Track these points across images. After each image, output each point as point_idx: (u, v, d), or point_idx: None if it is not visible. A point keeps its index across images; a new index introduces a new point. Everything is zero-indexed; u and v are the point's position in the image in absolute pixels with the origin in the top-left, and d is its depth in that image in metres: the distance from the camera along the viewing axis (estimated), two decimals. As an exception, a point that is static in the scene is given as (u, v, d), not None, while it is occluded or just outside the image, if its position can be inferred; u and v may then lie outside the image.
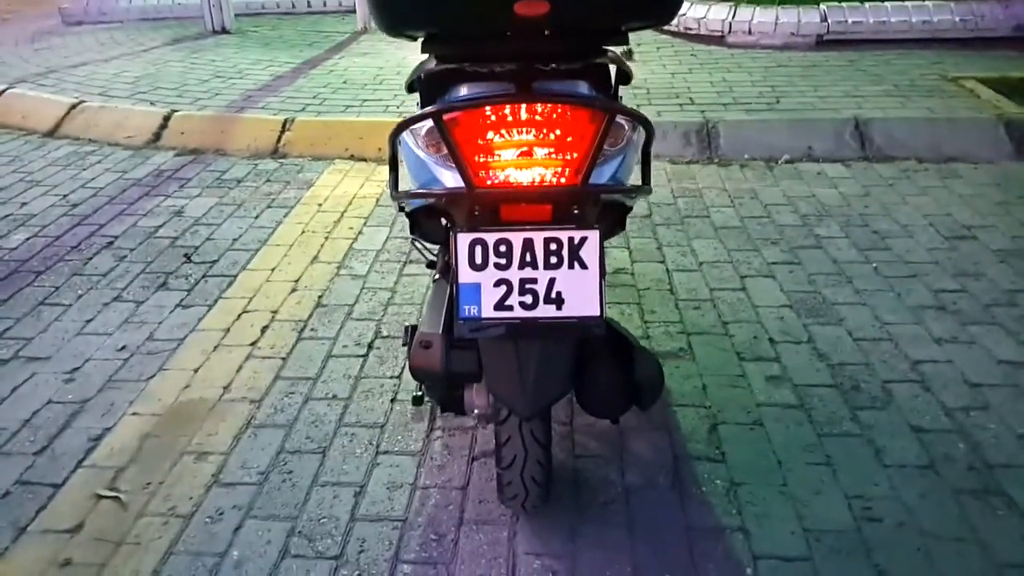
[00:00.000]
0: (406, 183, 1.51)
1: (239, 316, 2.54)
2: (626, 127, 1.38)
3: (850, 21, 5.26)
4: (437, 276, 1.71)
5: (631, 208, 1.70)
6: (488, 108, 1.30)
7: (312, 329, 2.46)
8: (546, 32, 1.23)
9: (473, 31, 1.27)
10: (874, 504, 1.73)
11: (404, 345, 1.83)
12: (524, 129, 1.31)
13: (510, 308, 1.38)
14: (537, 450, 1.48)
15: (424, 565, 1.59)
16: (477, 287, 1.38)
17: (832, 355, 2.25)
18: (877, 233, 2.98)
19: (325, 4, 6.94)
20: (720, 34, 5.43)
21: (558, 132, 1.32)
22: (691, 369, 2.19)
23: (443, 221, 1.72)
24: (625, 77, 1.51)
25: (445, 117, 1.27)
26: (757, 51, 5.27)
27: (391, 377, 2.20)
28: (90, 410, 2.10)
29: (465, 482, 1.80)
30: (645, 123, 1.35)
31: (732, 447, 1.90)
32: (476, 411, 1.64)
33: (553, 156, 1.32)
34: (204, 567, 1.60)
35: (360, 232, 3.11)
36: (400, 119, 1.37)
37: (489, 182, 1.33)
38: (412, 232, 1.84)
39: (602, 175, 1.37)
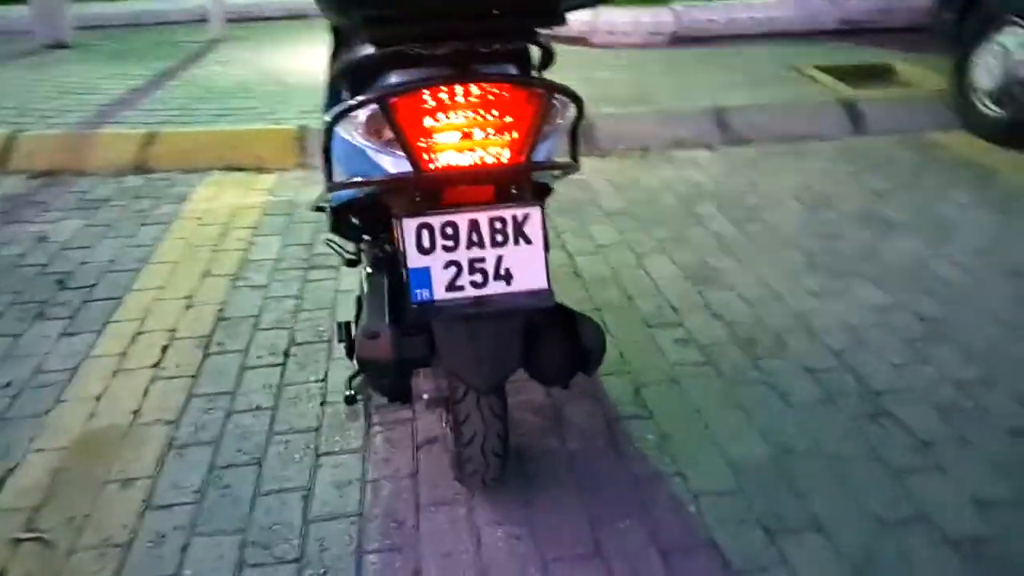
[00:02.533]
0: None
1: (134, 338, 2.40)
2: (558, 106, 1.45)
3: (703, 19, 5.77)
4: (370, 270, 1.71)
5: (552, 189, 1.78)
6: (428, 92, 1.33)
7: (219, 343, 2.37)
8: (494, 12, 1.28)
9: (424, 9, 1.29)
10: (786, 438, 1.90)
11: (340, 342, 1.82)
12: (465, 111, 1.35)
13: (461, 288, 1.42)
14: (496, 423, 1.53)
15: (389, 552, 1.59)
16: (426, 271, 1.41)
17: (727, 315, 2.44)
18: (748, 208, 3.24)
19: (171, 15, 6.59)
20: (585, 35, 5.68)
21: (496, 112, 1.37)
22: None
23: (361, 217, 1.74)
24: (550, 58, 1.58)
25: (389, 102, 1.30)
26: (620, 50, 5.58)
27: (316, 381, 2.17)
28: (-15, 453, 1.93)
29: (414, 470, 1.82)
30: (578, 101, 1.42)
31: (656, 405, 2.03)
32: (425, 396, 1.66)
33: (495, 136, 1.37)
34: (156, 591, 1.53)
35: (251, 243, 3.02)
36: (335, 110, 1.38)
37: (434, 165, 1.36)
38: (333, 231, 1.84)
39: (538, 154, 1.44)
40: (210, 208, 3.34)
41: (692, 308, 2.49)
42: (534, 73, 1.57)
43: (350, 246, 2.07)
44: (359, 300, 1.93)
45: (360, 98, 1.33)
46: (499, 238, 1.43)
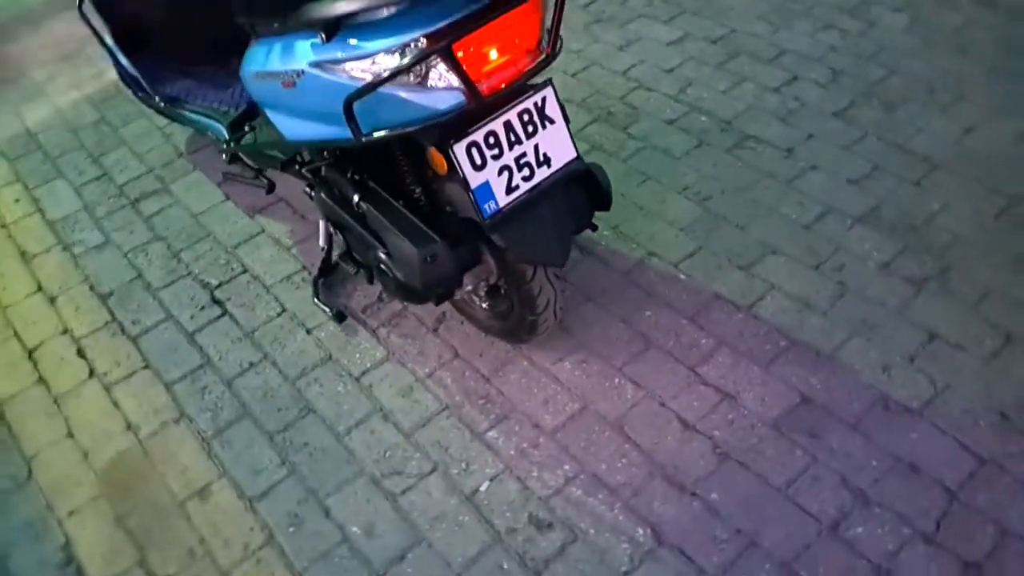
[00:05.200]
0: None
1: (34, 359, 2.10)
2: None
3: None
4: (360, 202, 1.68)
5: None
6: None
7: (133, 323, 2.15)
8: None
9: None
10: (696, 188, 2.31)
11: (358, 272, 1.85)
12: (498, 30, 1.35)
13: (517, 188, 1.52)
14: (559, 284, 1.73)
15: (503, 422, 1.80)
16: (486, 184, 1.48)
17: (571, 96, 2.69)
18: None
19: None
20: None
21: (518, 18, 1.38)
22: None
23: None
24: None
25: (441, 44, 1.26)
26: None
27: (278, 315, 2.11)
28: None
29: (452, 351, 1.96)
30: None
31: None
32: (469, 287, 1.79)
33: (525, 40, 1.39)
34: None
35: (34, 199, 2.56)
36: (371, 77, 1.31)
37: (485, 85, 1.37)
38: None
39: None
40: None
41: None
42: None
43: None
44: (335, 228, 1.90)
45: (417, 53, 1.27)
46: (530, 128, 1.51)
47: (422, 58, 1.27)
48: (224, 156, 2.19)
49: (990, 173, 2.22)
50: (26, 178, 2.67)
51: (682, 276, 2.07)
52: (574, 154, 1.58)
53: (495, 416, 1.82)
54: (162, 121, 2.78)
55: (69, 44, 3.28)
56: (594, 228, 1.74)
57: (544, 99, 1.52)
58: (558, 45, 1.46)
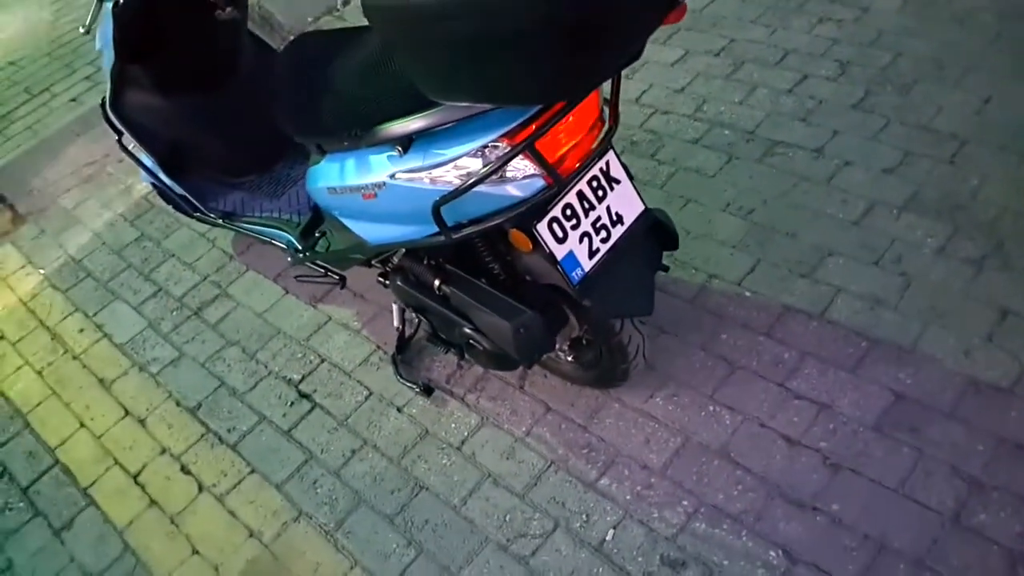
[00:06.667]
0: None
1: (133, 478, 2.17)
2: None
3: None
4: (444, 289, 1.75)
5: None
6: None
7: (230, 429, 2.22)
8: None
9: None
10: (739, 204, 2.38)
11: (448, 352, 1.92)
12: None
13: (598, 251, 1.59)
14: (644, 329, 1.80)
15: (614, 467, 1.86)
16: (571, 254, 1.55)
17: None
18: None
19: None
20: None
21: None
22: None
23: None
24: None
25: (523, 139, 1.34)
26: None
27: (366, 399, 2.18)
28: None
29: (544, 405, 2.03)
30: None
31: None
32: (562, 344, 1.86)
33: (586, 121, 1.47)
34: None
35: (98, 325, 2.64)
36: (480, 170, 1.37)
37: (563, 168, 1.44)
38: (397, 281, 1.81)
39: None
40: (10, 321, 2.78)
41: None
42: None
43: None
44: (416, 312, 1.96)
45: (504, 155, 1.34)
46: (600, 193, 1.58)
47: (509, 159, 1.34)
48: (289, 260, 2.26)
49: (1017, 139, 2.29)
50: (84, 306, 2.75)
51: (748, 293, 2.13)
52: (642, 207, 1.65)
53: (602, 463, 1.88)
54: (203, 227, 2.86)
55: (90, 166, 3.36)
56: (666, 269, 1.81)
57: (608, 163, 1.59)
58: (618, 115, 1.54)
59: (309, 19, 3.89)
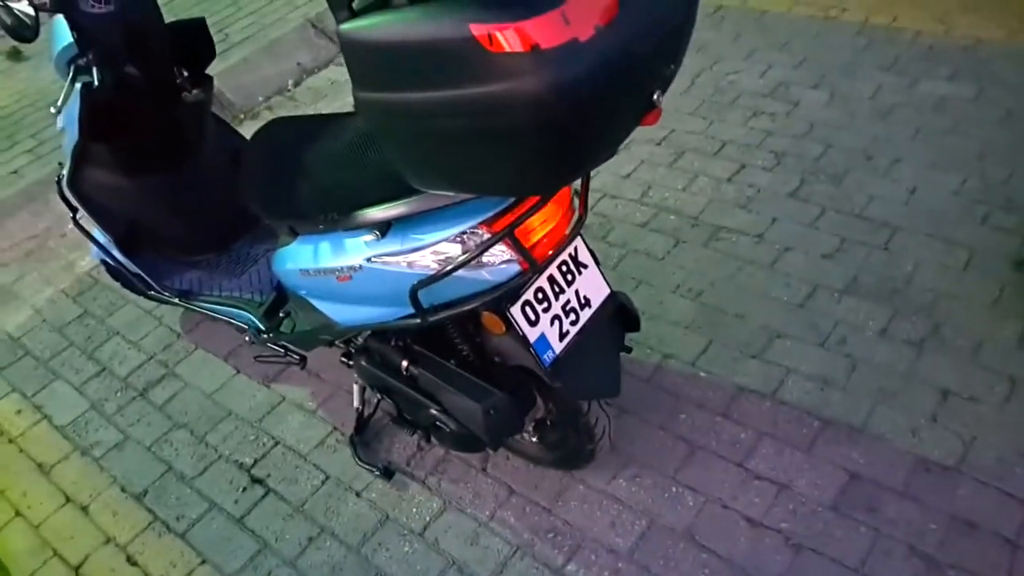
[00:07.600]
0: None
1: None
2: None
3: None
4: (412, 370, 1.75)
5: None
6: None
7: (178, 518, 2.13)
8: None
9: None
10: (688, 285, 2.47)
11: (414, 434, 1.90)
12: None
13: (568, 333, 1.63)
14: (610, 410, 1.83)
15: (581, 552, 1.86)
16: (543, 337, 1.59)
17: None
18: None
19: None
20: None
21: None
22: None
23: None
24: None
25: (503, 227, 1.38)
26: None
27: (322, 484, 2.13)
28: None
29: (508, 488, 2.02)
30: None
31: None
32: (527, 425, 1.87)
33: (558, 210, 1.52)
34: None
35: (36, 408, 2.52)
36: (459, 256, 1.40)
37: (537, 253, 1.48)
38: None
39: None
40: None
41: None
42: None
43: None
44: (380, 393, 1.95)
45: (484, 242, 1.38)
46: (569, 277, 1.63)
47: (489, 246, 1.38)
48: (248, 339, 2.22)
49: (944, 227, 2.46)
50: (22, 387, 2.62)
51: (702, 373, 2.19)
52: (608, 291, 1.71)
53: (568, 548, 1.87)
54: (149, 304, 2.79)
55: (30, 241, 3.27)
56: (629, 350, 1.86)
57: (576, 248, 1.65)
58: (587, 205, 1.60)
59: (260, 99, 3.93)
